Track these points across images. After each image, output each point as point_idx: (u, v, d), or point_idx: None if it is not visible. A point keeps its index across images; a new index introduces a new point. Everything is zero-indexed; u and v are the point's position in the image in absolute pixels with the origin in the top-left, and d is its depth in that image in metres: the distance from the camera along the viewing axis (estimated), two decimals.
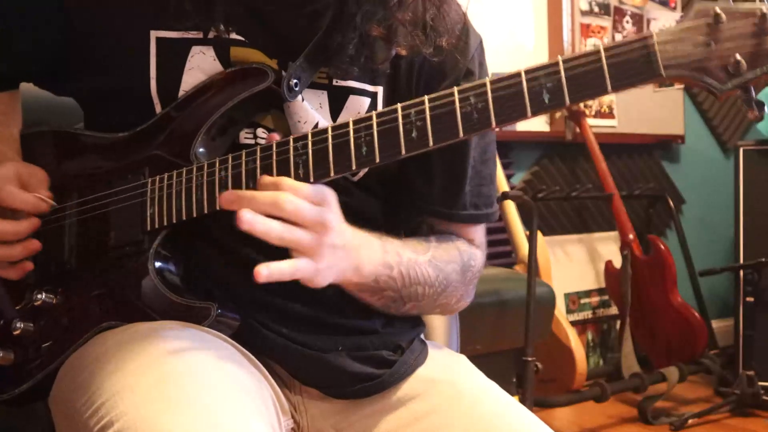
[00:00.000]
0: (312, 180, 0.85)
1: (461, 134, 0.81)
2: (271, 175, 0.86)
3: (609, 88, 0.76)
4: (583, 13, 3.32)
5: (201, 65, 0.93)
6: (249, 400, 0.80)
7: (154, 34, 0.93)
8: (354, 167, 0.84)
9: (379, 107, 0.98)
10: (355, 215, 0.98)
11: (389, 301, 0.97)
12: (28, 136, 1.04)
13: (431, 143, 0.82)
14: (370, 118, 0.84)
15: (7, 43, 0.99)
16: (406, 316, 1.06)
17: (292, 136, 0.87)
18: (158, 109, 0.94)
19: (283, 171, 0.86)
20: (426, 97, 0.82)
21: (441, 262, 0.98)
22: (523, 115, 0.79)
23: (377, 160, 0.83)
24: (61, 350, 0.92)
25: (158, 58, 0.93)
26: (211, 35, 0.93)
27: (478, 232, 1.08)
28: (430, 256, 0.97)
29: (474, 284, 1.06)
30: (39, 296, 0.94)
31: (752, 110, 0.75)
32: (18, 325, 0.95)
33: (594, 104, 3.35)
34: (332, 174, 0.85)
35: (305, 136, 0.86)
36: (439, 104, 0.82)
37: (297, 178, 0.85)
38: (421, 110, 0.82)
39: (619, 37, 3.45)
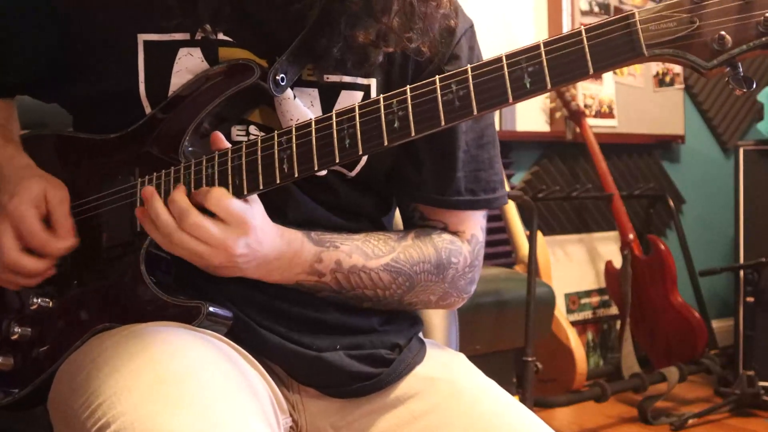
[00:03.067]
0: (297, 174, 0.85)
1: (443, 122, 0.80)
2: (256, 172, 0.86)
3: (590, 69, 0.75)
4: (583, 13, 3.32)
5: (189, 67, 0.93)
6: (247, 400, 0.80)
7: (141, 38, 0.93)
8: (337, 160, 0.84)
9: None
10: (346, 212, 0.99)
11: (336, 300, 0.97)
12: (22, 140, 1.03)
13: (413, 133, 0.81)
14: (353, 110, 0.84)
15: (5, 52, 0.99)
16: (405, 314, 1.06)
17: (276, 132, 0.87)
18: (148, 111, 0.94)
19: (268, 167, 0.86)
20: (408, 87, 0.82)
21: (405, 264, 0.97)
22: (504, 101, 0.78)
23: (360, 152, 0.83)
24: (58, 353, 0.92)
25: (146, 61, 0.93)
26: (198, 36, 0.93)
27: (472, 222, 1.04)
28: (389, 259, 0.96)
29: (466, 280, 1.03)
30: (35, 300, 0.95)
31: (740, 88, 0.73)
32: (16, 329, 0.95)
33: (594, 104, 3.36)
34: (316, 167, 0.85)
35: (289, 131, 0.86)
36: (420, 93, 0.81)
37: (282, 173, 0.85)
38: (403, 100, 0.82)
39: None
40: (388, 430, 0.96)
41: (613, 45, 0.74)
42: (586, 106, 3.28)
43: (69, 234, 0.94)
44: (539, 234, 2.73)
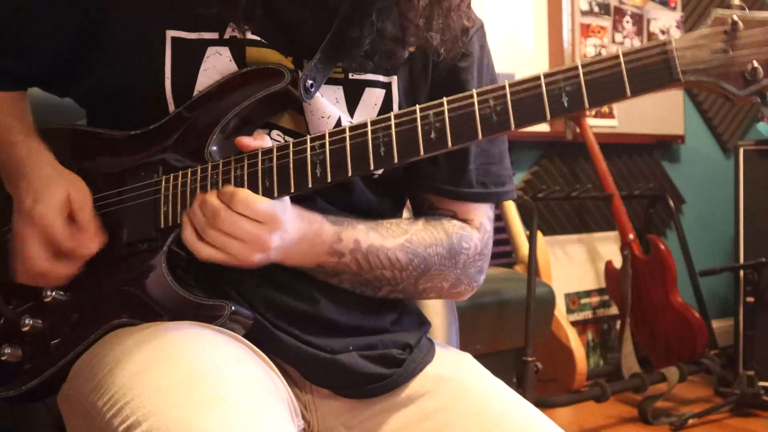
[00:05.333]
0: (330, 180, 0.86)
1: (480, 136, 0.82)
2: (287, 176, 0.86)
3: (628, 92, 0.78)
4: (583, 13, 3.32)
5: (216, 66, 0.93)
6: (273, 401, 0.80)
7: (169, 34, 0.93)
8: (372, 167, 0.85)
9: (395, 97, 0.99)
10: (359, 211, 0.99)
11: (355, 285, 0.98)
12: (40, 133, 1.02)
13: (450, 144, 0.83)
14: (388, 119, 0.85)
15: (24, 42, 0.98)
16: (413, 313, 1.07)
17: (309, 136, 0.87)
18: (172, 108, 0.94)
19: (301, 171, 0.86)
20: (444, 99, 0.83)
21: (418, 246, 0.98)
22: (542, 118, 0.80)
23: (395, 161, 0.84)
24: (71, 347, 0.92)
25: (173, 58, 0.93)
26: (227, 36, 0.93)
27: (480, 211, 1.06)
28: (404, 240, 0.97)
29: (476, 268, 1.04)
30: (49, 293, 0.93)
31: (767, 117, 0.77)
32: (26, 321, 0.94)
33: None
34: (350, 174, 0.85)
35: (322, 136, 0.87)
36: (458, 106, 0.83)
37: (314, 178, 0.86)
38: (440, 112, 0.83)
39: (619, 37, 3.46)
40: (399, 429, 0.96)
41: (650, 70, 0.77)
42: None
43: (97, 234, 0.93)
44: (539, 234, 2.73)
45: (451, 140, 0.83)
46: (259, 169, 0.87)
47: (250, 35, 0.94)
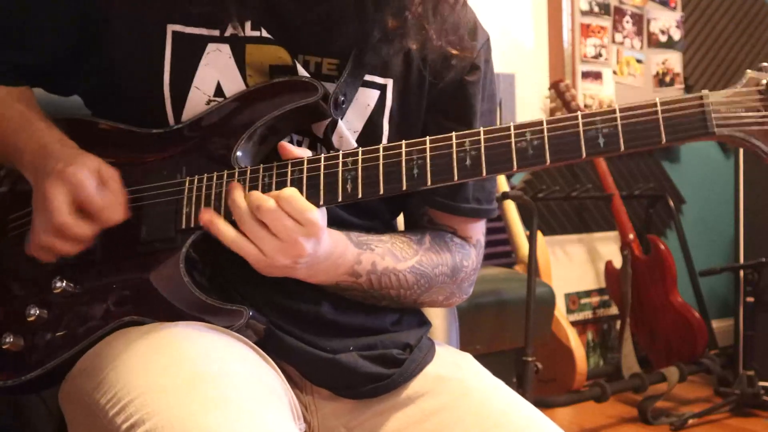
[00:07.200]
0: (360, 196, 0.86)
1: (515, 167, 0.84)
2: (317, 187, 0.87)
3: (663, 140, 0.80)
4: (583, 13, 3.33)
5: (215, 62, 0.93)
6: (276, 401, 0.80)
7: (170, 28, 0.93)
8: (404, 188, 0.86)
9: (389, 100, 0.99)
10: (363, 213, 1.00)
11: (359, 299, 0.99)
12: (57, 122, 1.00)
13: (484, 173, 0.84)
14: (423, 142, 0.86)
15: (28, 36, 0.98)
16: (414, 314, 1.08)
17: (341, 151, 0.88)
18: (168, 103, 0.94)
19: (332, 184, 0.87)
20: (481, 129, 0.85)
21: (427, 266, 0.99)
22: (578, 156, 0.82)
23: (428, 183, 0.86)
24: (76, 341, 0.90)
25: (173, 52, 0.93)
26: (227, 33, 0.94)
27: (477, 228, 1.09)
28: (415, 261, 0.98)
29: (469, 282, 1.07)
30: (59, 284, 0.92)
31: None
32: (32, 311, 0.92)
33: (594, 104, 3.36)
34: (381, 192, 0.86)
35: (356, 153, 0.87)
36: (494, 137, 0.84)
37: (345, 193, 0.87)
38: (476, 141, 0.85)
39: (619, 37, 3.46)
40: (400, 429, 0.96)
41: (686, 121, 0.81)
42: (586, 105, 3.28)
43: (126, 205, 0.92)
44: (539, 234, 2.73)
45: (486, 169, 0.84)
46: (288, 179, 0.88)
47: (249, 31, 0.94)
